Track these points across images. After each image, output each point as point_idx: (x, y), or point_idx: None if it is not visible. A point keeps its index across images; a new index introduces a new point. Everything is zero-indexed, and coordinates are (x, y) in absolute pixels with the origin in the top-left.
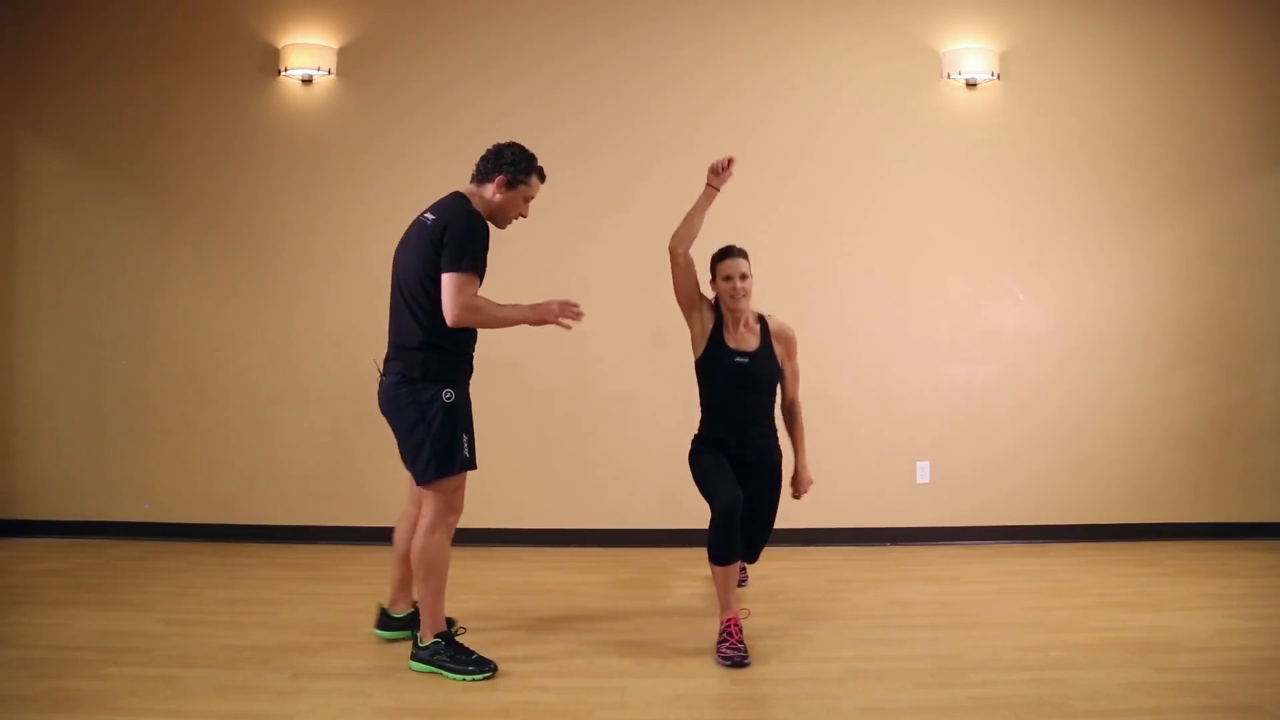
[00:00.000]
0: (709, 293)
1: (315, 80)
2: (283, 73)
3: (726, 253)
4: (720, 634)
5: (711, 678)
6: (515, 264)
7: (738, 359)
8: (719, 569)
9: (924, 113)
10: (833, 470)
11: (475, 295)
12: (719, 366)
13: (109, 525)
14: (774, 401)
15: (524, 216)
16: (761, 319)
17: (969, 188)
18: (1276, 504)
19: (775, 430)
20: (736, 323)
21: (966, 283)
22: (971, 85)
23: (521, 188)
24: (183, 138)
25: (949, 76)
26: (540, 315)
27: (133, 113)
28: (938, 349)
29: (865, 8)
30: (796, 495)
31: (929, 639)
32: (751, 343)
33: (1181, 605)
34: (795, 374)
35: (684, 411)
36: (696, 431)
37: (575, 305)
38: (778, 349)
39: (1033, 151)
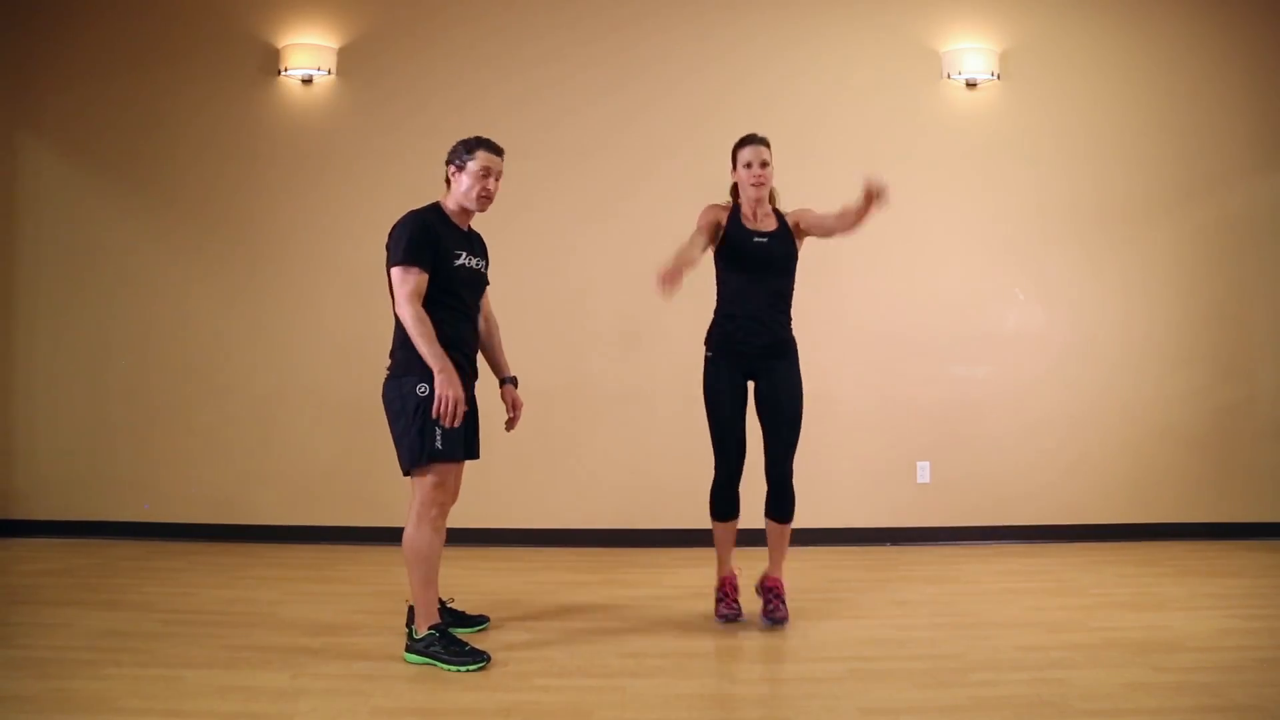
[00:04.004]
0: (727, 187)
1: (315, 80)
2: (283, 73)
3: (749, 139)
4: (716, 593)
5: (711, 678)
6: (515, 263)
7: (757, 239)
8: (717, 525)
9: (924, 113)
10: (833, 470)
11: (414, 290)
12: (740, 248)
13: (109, 525)
14: (792, 288)
15: (488, 190)
16: (777, 211)
17: (969, 188)
18: (1276, 504)
19: (791, 319)
20: (755, 210)
21: (966, 283)
22: (971, 85)
23: (469, 165)
24: (183, 138)
25: (949, 76)
26: (441, 380)
27: (133, 113)
28: (937, 349)
29: (865, 8)
30: (875, 198)
31: (929, 639)
32: (770, 224)
33: (1181, 605)
34: (824, 213)
35: (684, 411)
36: (710, 326)
37: (461, 414)
38: (795, 230)
39: (1032, 151)
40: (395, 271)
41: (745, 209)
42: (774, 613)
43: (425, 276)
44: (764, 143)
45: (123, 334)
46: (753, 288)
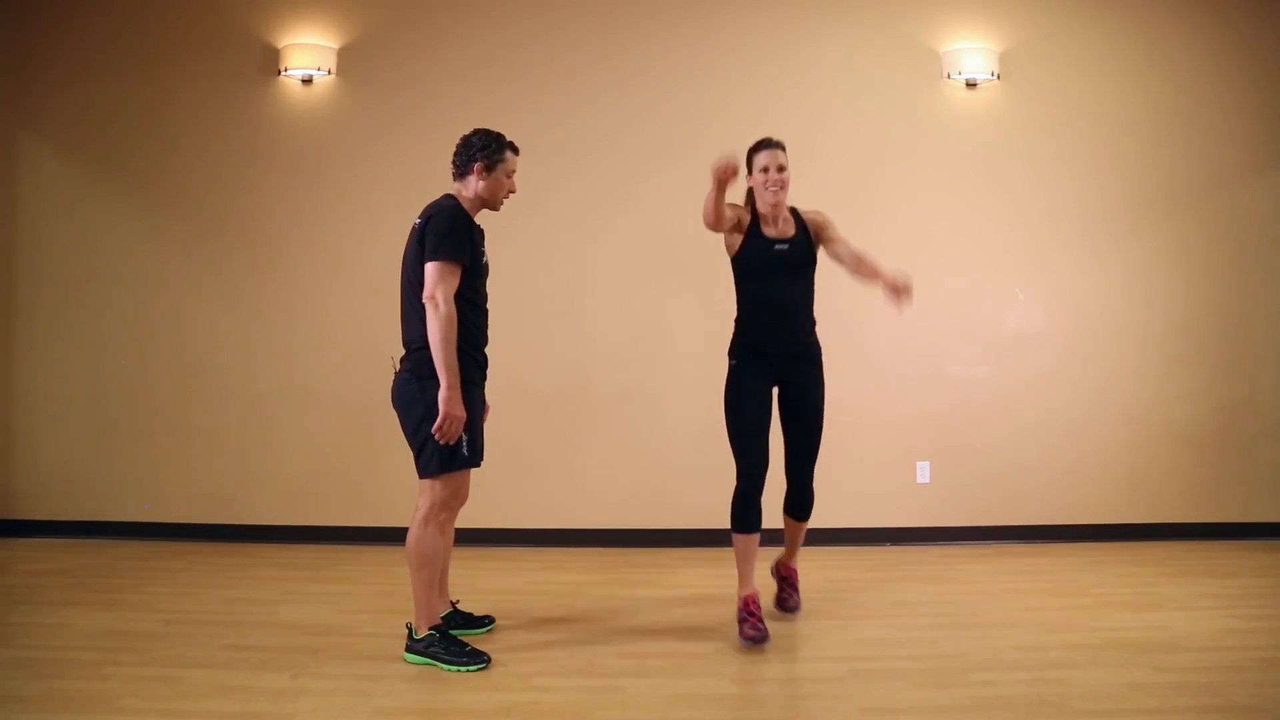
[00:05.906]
0: (744, 187)
1: (315, 80)
2: (283, 73)
3: (765, 144)
4: (739, 613)
5: (711, 678)
6: (515, 262)
7: (777, 246)
8: (738, 537)
9: (924, 113)
10: (833, 470)
11: (452, 288)
12: (759, 256)
13: (109, 525)
14: (813, 293)
15: (513, 192)
16: (794, 210)
17: (968, 188)
18: (1276, 504)
19: (814, 324)
20: (774, 215)
21: (966, 282)
22: (971, 85)
23: (500, 167)
24: (183, 138)
25: (949, 76)
26: (449, 397)
27: (133, 113)
28: (937, 349)
29: (865, 8)
30: (898, 296)
31: (929, 639)
32: (789, 231)
33: (1181, 605)
34: (844, 239)
35: (685, 411)
36: (733, 338)
37: (462, 433)
38: (813, 233)
39: (1032, 151)
40: (438, 267)
41: (763, 214)
42: (786, 601)
43: (460, 274)
44: (780, 146)
45: (123, 334)
46: (776, 295)
